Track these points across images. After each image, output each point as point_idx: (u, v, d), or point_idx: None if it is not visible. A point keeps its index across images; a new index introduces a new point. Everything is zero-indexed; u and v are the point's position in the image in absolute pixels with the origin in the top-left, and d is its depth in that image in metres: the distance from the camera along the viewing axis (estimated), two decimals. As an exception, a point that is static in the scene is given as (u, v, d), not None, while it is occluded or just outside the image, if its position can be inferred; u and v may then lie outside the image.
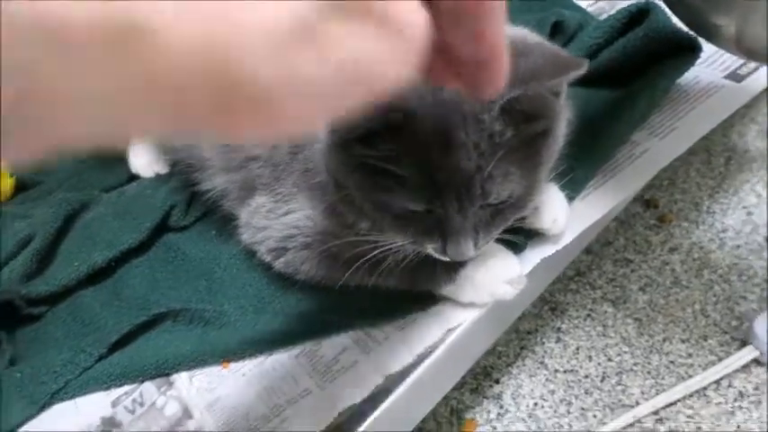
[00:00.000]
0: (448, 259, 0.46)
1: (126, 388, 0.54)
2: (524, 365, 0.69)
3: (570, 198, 0.56)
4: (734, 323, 0.68)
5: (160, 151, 0.72)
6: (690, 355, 0.66)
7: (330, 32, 0.20)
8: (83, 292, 0.61)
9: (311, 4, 0.20)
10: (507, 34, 0.43)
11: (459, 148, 0.41)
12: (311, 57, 0.20)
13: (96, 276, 0.62)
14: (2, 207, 0.68)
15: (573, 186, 0.56)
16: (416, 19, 0.22)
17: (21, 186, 0.73)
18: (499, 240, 0.52)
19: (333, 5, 0.21)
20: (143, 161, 0.73)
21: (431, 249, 0.46)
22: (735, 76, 0.67)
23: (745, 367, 0.64)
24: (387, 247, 0.48)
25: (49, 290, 0.59)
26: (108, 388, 0.54)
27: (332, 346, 0.52)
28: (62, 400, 0.53)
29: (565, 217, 0.54)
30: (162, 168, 0.72)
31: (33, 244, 0.61)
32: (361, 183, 0.45)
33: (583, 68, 0.41)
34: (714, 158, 0.86)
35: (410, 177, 0.42)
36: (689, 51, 0.65)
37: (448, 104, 0.41)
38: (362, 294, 0.53)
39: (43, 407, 0.53)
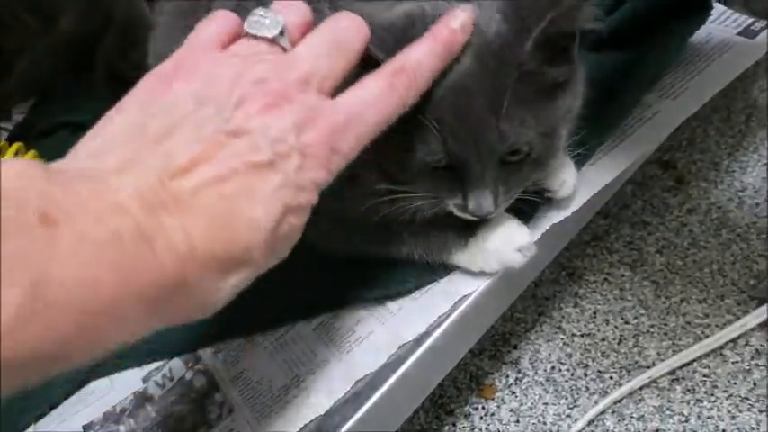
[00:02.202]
0: (469, 216, 0.47)
1: (156, 364, 0.57)
2: (542, 331, 0.70)
3: (581, 162, 0.57)
4: (752, 282, 0.68)
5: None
6: (707, 315, 0.67)
7: None
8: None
9: None
10: None
11: (469, 80, 0.41)
12: None
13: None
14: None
15: (583, 151, 0.56)
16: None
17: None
18: (509, 209, 0.53)
19: None
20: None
21: (453, 207, 0.47)
22: (748, 33, 0.66)
23: (762, 325, 0.64)
24: (406, 206, 0.49)
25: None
26: (140, 365, 0.57)
27: (348, 317, 0.54)
28: (97, 377, 0.57)
29: (573, 180, 0.55)
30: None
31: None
32: (382, 141, 0.45)
33: None
34: (734, 116, 0.84)
35: (425, 126, 0.42)
36: (700, 10, 0.64)
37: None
38: (376, 266, 0.55)
39: (80, 384, 0.56)
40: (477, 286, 0.53)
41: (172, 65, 0.37)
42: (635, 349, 0.66)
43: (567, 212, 0.55)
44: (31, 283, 0.25)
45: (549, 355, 0.68)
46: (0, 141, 0.75)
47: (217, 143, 0.33)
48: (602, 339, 0.68)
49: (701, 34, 0.66)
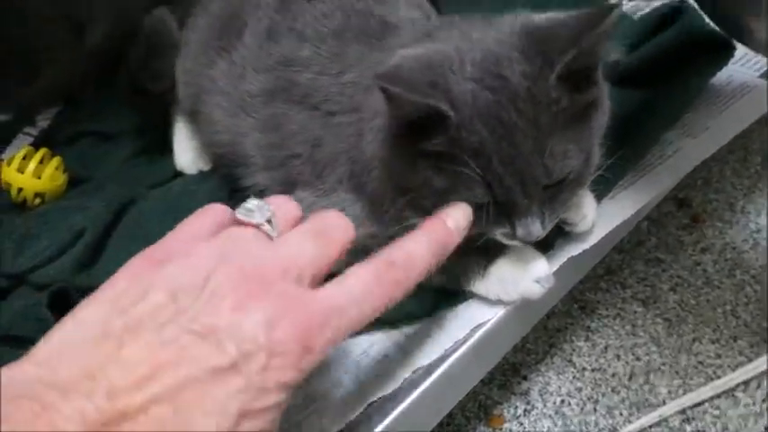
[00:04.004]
0: (517, 243, 0.47)
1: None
2: (552, 363, 0.70)
3: (600, 196, 0.57)
4: (765, 324, 0.68)
5: (204, 149, 0.75)
6: (719, 356, 0.67)
7: None
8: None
9: None
10: (534, 20, 0.45)
11: (513, 129, 0.42)
12: None
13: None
14: (59, 202, 0.72)
15: (603, 184, 0.57)
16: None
17: (73, 182, 0.77)
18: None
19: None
20: (187, 158, 0.76)
21: (499, 235, 0.48)
22: (770, 76, 0.67)
23: (776, 369, 0.64)
24: None
25: (100, 281, 0.63)
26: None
27: (363, 340, 0.54)
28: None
29: (593, 214, 0.55)
30: (205, 165, 0.75)
31: (85, 237, 0.64)
32: (424, 179, 0.45)
33: (617, 7, 0.42)
34: (751, 157, 0.85)
35: (468, 172, 0.42)
36: (722, 51, 0.64)
37: (496, 85, 0.42)
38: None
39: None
40: (493, 314, 0.53)
41: (159, 249, 0.38)
42: (646, 387, 0.66)
43: (586, 245, 0.55)
44: None
45: (559, 387, 0.68)
46: (25, 147, 0.76)
47: (179, 347, 0.32)
48: (613, 375, 0.68)
49: (722, 75, 0.67)
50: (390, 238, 0.49)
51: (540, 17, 0.46)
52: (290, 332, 0.33)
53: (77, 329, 0.32)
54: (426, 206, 0.48)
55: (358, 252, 0.53)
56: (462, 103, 0.42)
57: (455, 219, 0.43)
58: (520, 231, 0.45)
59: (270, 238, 0.39)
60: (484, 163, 0.42)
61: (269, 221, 0.39)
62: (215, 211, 0.41)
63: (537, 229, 0.45)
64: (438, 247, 0.41)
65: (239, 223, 0.39)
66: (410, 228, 0.50)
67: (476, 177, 0.43)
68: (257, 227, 0.39)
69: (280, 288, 0.35)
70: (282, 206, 0.41)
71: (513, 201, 0.44)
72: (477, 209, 0.45)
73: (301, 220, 0.42)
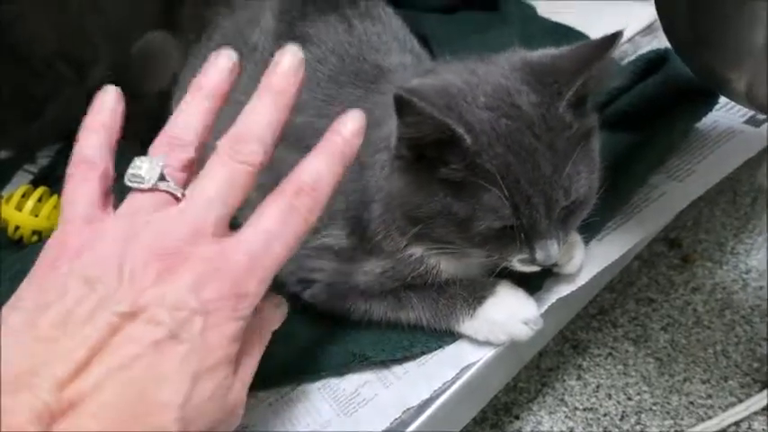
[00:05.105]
0: (534, 268, 0.49)
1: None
2: (544, 402, 0.70)
3: (588, 239, 0.58)
4: (755, 365, 0.68)
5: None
6: (710, 396, 0.67)
7: None
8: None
9: None
10: (532, 56, 0.48)
11: (535, 153, 0.44)
12: None
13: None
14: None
15: (590, 227, 0.58)
16: None
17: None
18: (516, 281, 0.54)
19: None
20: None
21: (516, 262, 0.49)
22: (753, 122, 0.68)
23: (766, 410, 0.64)
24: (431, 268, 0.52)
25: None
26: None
27: (354, 379, 0.55)
28: None
29: (581, 257, 0.56)
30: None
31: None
32: (442, 207, 0.46)
33: (620, 36, 0.45)
34: (740, 198, 0.86)
35: (497, 193, 0.44)
36: (707, 96, 0.66)
37: (512, 113, 0.44)
38: (384, 330, 0.56)
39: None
40: (483, 355, 0.53)
41: (56, 248, 0.36)
42: (637, 427, 0.66)
43: (574, 287, 0.56)
44: None
45: (551, 427, 0.68)
46: (24, 185, 0.77)
47: (112, 330, 0.32)
48: (605, 414, 0.68)
49: (707, 120, 0.68)
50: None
51: (536, 53, 0.49)
52: (219, 288, 0.34)
53: (7, 338, 0.32)
54: (438, 236, 0.49)
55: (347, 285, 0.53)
56: (479, 130, 0.44)
57: (350, 124, 0.41)
58: (540, 254, 0.46)
59: (172, 195, 0.37)
60: (512, 185, 0.43)
61: (162, 178, 0.37)
62: (92, 183, 0.38)
63: (555, 252, 0.46)
64: (339, 159, 0.40)
65: (134, 191, 0.37)
66: (411, 260, 0.52)
67: (503, 200, 0.44)
68: (153, 190, 0.37)
69: (196, 252, 0.35)
70: (172, 150, 0.38)
71: (536, 222, 0.45)
72: (498, 236, 0.46)
73: (196, 157, 0.39)
